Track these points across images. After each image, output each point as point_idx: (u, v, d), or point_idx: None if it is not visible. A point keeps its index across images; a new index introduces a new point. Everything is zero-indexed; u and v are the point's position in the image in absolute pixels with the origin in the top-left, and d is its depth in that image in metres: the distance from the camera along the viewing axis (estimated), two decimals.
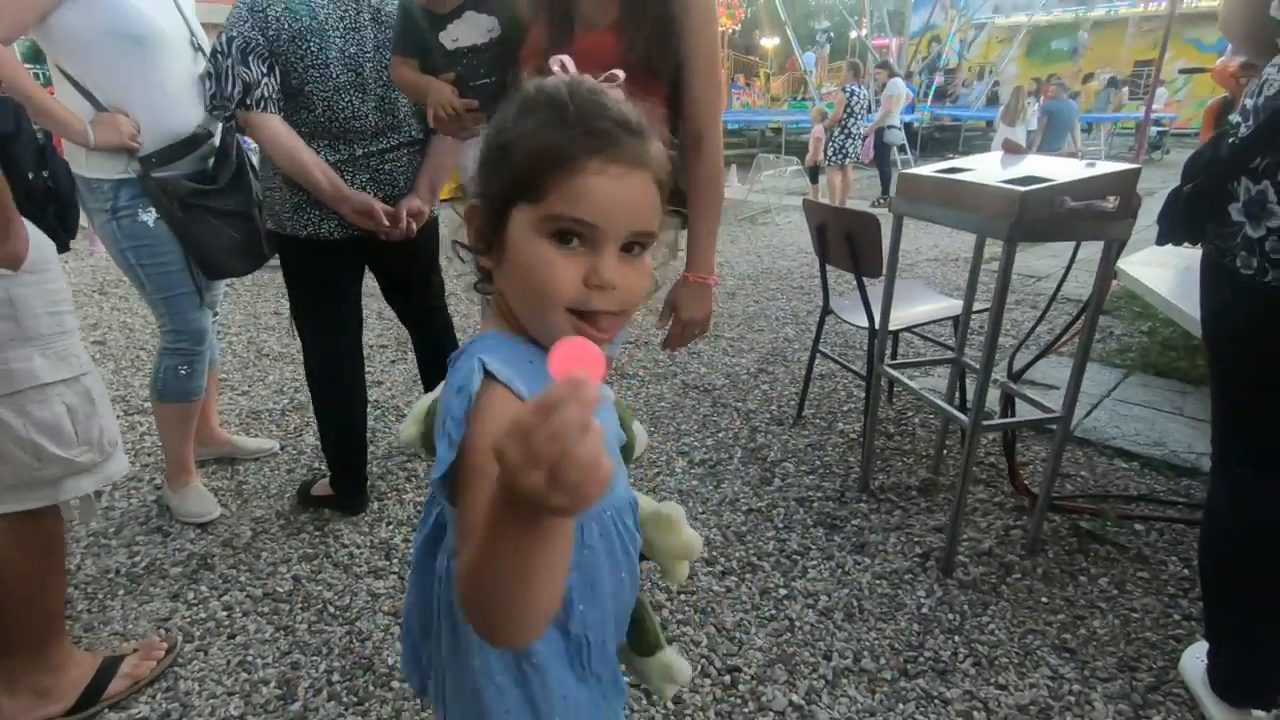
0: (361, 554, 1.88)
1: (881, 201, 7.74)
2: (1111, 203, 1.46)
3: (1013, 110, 8.39)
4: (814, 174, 8.11)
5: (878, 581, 1.76)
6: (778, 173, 8.03)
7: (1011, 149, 1.85)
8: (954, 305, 2.35)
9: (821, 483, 2.21)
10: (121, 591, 1.74)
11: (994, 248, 1.68)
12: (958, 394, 2.22)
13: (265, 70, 1.61)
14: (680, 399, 2.83)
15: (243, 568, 1.82)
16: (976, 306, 2.08)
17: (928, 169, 1.82)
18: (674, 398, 2.84)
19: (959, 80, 17.95)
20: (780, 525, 1.99)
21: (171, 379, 1.93)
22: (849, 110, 7.06)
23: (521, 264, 0.61)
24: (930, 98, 13.73)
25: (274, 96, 1.64)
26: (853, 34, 16.85)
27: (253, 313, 3.97)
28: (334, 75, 1.65)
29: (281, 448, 2.42)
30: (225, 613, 1.67)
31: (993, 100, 15.19)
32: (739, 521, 2.02)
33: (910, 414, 2.67)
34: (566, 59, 0.67)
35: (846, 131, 7.12)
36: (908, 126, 9.75)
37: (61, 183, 1.33)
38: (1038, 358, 1.95)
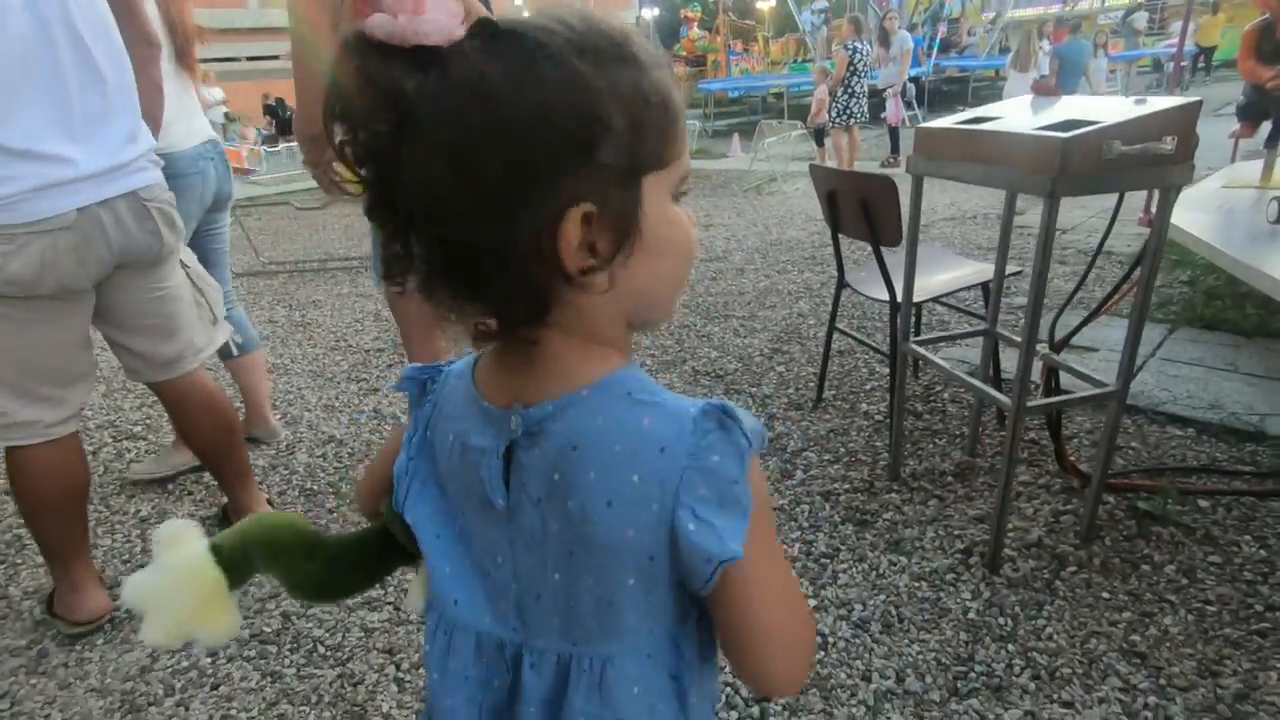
0: None
1: (892, 161, 7.45)
2: (1169, 144, 1.26)
3: (1024, 55, 7.99)
4: (819, 136, 7.82)
5: (917, 584, 1.59)
6: (781, 138, 7.74)
7: (1042, 90, 1.63)
8: (982, 270, 2.14)
9: (848, 472, 2.04)
10: (101, 640, 1.62)
11: (1024, 205, 1.48)
12: (992, 368, 2.03)
13: None
14: (690, 388, 2.66)
15: None
16: (1008, 270, 1.88)
17: (948, 121, 1.62)
18: (684, 387, 2.67)
19: (964, 30, 17.36)
20: (806, 524, 1.83)
21: None
22: (852, 68, 6.76)
23: (669, 242, 0.49)
24: (935, 50, 13.24)
25: None
26: None
27: None
28: None
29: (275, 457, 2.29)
30: (209, 659, 1.55)
31: (1003, 49, 14.67)
32: None
33: (939, 388, 2.48)
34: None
35: (850, 91, 6.82)
36: (914, 81, 9.38)
37: None
38: (1084, 322, 1.75)
